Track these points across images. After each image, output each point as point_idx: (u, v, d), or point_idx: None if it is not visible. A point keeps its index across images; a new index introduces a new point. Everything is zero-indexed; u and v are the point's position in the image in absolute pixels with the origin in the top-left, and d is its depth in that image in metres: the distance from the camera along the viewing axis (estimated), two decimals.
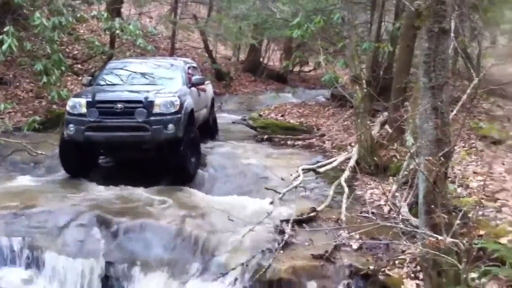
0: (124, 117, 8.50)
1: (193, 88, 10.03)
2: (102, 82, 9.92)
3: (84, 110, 8.56)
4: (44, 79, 11.25)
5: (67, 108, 8.77)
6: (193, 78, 10.17)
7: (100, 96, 8.78)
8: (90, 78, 10.39)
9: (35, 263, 6.83)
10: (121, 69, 10.26)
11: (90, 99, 8.63)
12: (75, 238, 7.02)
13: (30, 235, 6.99)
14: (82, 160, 9.08)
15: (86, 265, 6.71)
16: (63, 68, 12.09)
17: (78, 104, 8.64)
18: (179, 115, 8.72)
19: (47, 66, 11.39)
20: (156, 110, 8.55)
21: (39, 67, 11.21)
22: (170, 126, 8.56)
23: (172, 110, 8.65)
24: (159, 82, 9.77)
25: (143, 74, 10.04)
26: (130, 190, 8.40)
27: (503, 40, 25.90)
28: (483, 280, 5.25)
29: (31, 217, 7.30)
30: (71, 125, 8.59)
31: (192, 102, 9.50)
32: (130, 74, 10.04)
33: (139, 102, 8.58)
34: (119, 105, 8.50)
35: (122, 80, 9.96)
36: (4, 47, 9.92)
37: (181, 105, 8.81)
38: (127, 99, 8.72)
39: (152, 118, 8.51)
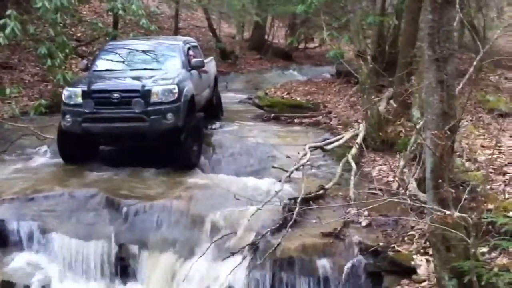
0: (121, 107, 8.23)
1: (193, 71, 9.70)
2: (98, 67, 9.57)
3: (80, 100, 8.31)
4: (49, 62, 11.19)
5: (63, 98, 8.54)
6: (193, 60, 9.77)
7: (95, 86, 8.54)
8: (86, 62, 10.14)
9: (46, 246, 6.92)
10: (118, 52, 9.88)
11: (85, 89, 8.39)
12: (85, 221, 7.10)
13: (41, 219, 7.06)
14: (81, 149, 8.85)
15: (98, 247, 6.79)
16: (67, 50, 12.02)
17: (73, 94, 8.40)
18: (178, 104, 8.40)
19: (51, 49, 11.32)
20: (154, 99, 8.27)
21: (43, 50, 11.14)
22: (169, 115, 8.28)
23: (171, 98, 8.35)
24: (158, 66, 9.43)
25: (141, 58, 9.66)
26: (137, 172, 8.39)
27: (510, 11, 25.61)
28: (493, 254, 5.28)
29: (41, 201, 7.35)
30: (67, 116, 8.37)
31: (192, 87, 9.17)
32: (127, 58, 9.71)
33: (136, 91, 8.31)
34: (115, 95, 8.23)
35: (119, 64, 9.62)
36: (7, 31, 9.86)
37: (180, 92, 8.48)
38: (123, 88, 8.49)
39: (150, 108, 8.22)
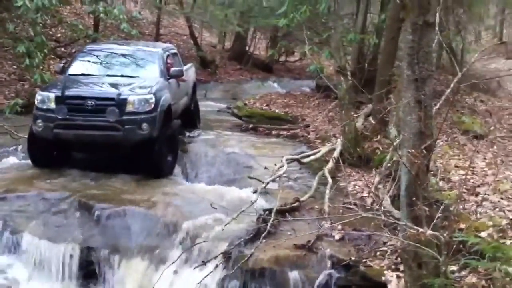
0: (95, 115, 8.04)
1: (171, 80, 9.45)
2: (74, 71, 9.28)
3: (53, 105, 8.10)
4: (27, 61, 11.09)
5: (36, 102, 8.32)
6: (172, 69, 9.51)
7: (69, 91, 8.32)
8: (62, 65, 9.85)
9: (15, 247, 6.81)
10: (96, 56, 9.66)
11: (59, 94, 8.18)
12: (56, 222, 7.01)
13: (11, 219, 6.95)
14: (52, 154, 8.63)
15: (67, 250, 6.70)
16: (45, 51, 11.94)
17: (46, 98, 8.19)
18: (154, 114, 8.24)
19: (29, 49, 11.22)
20: (129, 108, 8.10)
21: (21, 49, 11.04)
22: (144, 125, 8.11)
23: (147, 108, 8.18)
24: (135, 73, 9.20)
25: (119, 63, 9.44)
26: (111, 178, 8.27)
27: (487, 36, 26.17)
28: (463, 272, 5.34)
29: (13, 201, 7.26)
30: (39, 121, 8.16)
31: (170, 96, 8.99)
32: (104, 62, 9.49)
33: (111, 99, 8.14)
34: (90, 102, 8.05)
35: (95, 69, 9.36)
36: None
37: (157, 102, 8.34)
38: (98, 95, 8.29)
39: (124, 117, 8.05)
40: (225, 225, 6.65)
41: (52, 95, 8.21)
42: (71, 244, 6.72)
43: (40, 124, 8.16)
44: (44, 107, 8.18)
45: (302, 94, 15.90)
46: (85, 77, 9.12)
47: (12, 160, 8.99)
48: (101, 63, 9.49)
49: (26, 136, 8.68)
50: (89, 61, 9.56)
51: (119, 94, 8.22)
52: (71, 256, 6.66)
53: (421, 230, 4.87)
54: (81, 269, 6.66)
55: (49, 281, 6.61)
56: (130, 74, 9.14)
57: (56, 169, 8.42)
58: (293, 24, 11.42)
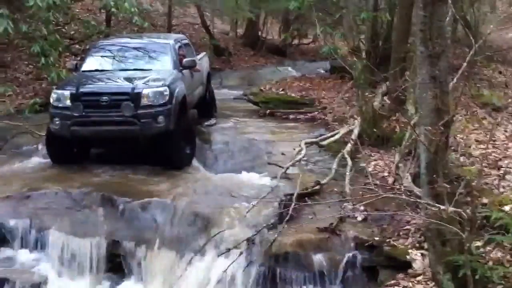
0: (111, 110, 8.06)
1: (185, 71, 9.42)
2: (88, 67, 9.33)
3: (68, 103, 8.14)
4: (43, 60, 11.15)
5: (51, 100, 8.38)
6: (184, 60, 9.50)
7: (84, 88, 8.36)
8: (75, 62, 9.94)
9: (42, 244, 6.93)
10: (108, 51, 9.62)
11: (74, 91, 8.21)
12: (81, 218, 7.10)
13: (37, 217, 7.06)
14: (71, 151, 8.72)
15: (93, 244, 6.80)
16: (60, 49, 11.99)
17: (62, 96, 8.23)
18: (169, 106, 8.24)
19: (44, 48, 11.29)
20: (144, 102, 8.10)
21: (36, 48, 11.10)
22: (160, 118, 8.11)
23: (162, 101, 8.17)
24: (148, 66, 9.21)
25: (131, 57, 9.39)
26: (132, 170, 8.31)
27: (502, 6, 25.69)
28: (487, 248, 5.32)
29: (37, 199, 7.35)
30: (56, 119, 8.22)
31: (184, 87, 8.97)
32: (117, 57, 9.44)
33: (126, 94, 8.16)
34: (104, 98, 8.06)
35: (108, 64, 9.37)
36: (0, 29, 9.84)
37: (171, 94, 8.32)
38: (113, 91, 8.30)
39: (140, 111, 8.05)
40: (247, 212, 6.71)
41: (67, 93, 8.26)
42: (97, 239, 6.82)
43: (57, 122, 8.23)
44: (60, 105, 8.24)
45: (318, 77, 15.81)
46: (99, 72, 9.16)
47: (34, 159, 9.09)
48: (113, 58, 9.49)
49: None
50: (101, 57, 9.58)
51: (133, 88, 8.24)
52: (97, 250, 6.76)
53: (443, 207, 4.86)
54: (108, 263, 6.76)
55: (77, 276, 6.71)
56: (143, 67, 9.16)
57: (77, 166, 8.52)
58: (304, 6, 11.33)
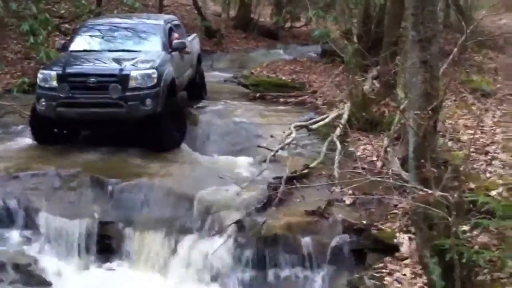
0: (98, 92, 7.98)
1: (174, 53, 9.32)
2: (76, 47, 9.19)
3: (55, 83, 8.04)
4: (31, 39, 11.01)
5: (38, 81, 8.27)
6: (174, 42, 9.42)
7: (71, 69, 8.27)
8: (63, 42, 9.78)
9: (31, 224, 6.91)
10: (96, 31, 9.51)
11: (60, 72, 8.10)
12: (70, 199, 7.09)
13: (26, 197, 7.04)
14: (55, 132, 8.64)
15: (82, 225, 6.78)
16: (50, 28, 11.85)
17: (48, 77, 8.11)
18: (157, 89, 8.14)
19: (33, 26, 11.15)
20: (132, 84, 7.99)
21: (25, 27, 10.95)
22: (148, 101, 8.01)
23: (150, 83, 8.07)
24: (137, 47, 9.01)
25: (120, 37, 9.29)
26: (121, 152, 8.27)
27: None
28: (474, 232, 5.38)
29: (26, 179, 7.31)
30: (42, 100, 8.11)
31: (173, 70, 8.89)
32: (105, 37, 9.35)
33: (113, 75, 8.05)
34: (92, 79, 7.96)
35: (97, 44, 9.27)
36: None
37: (160, 76, 8.22)
38: (100, 72, 8.20)
39: (127, 93, 7.94)
40: (237, 194, 6.74)
41: (53, 73, 8.15)
42: (86, 219, 6.81)
43: (43, 103, 8.13)
44: (46, 85, 8.14)
45: (309, 60, 15.78)
46: (87, 53, 9.03)
47: (22, 139, 9.03)
48: (102, 38, 9.38)
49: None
50: (90, 36, 9.45)
51: (121, 70, 8.14)
52: (86, 231, 6.75)
53: (430, 191, 4.89)
54: (97, 244, 6.76)
55: (66, 256, 6.71)
56: (132, 49, 9.04)
57: (65, 147, 8.46)
58: None
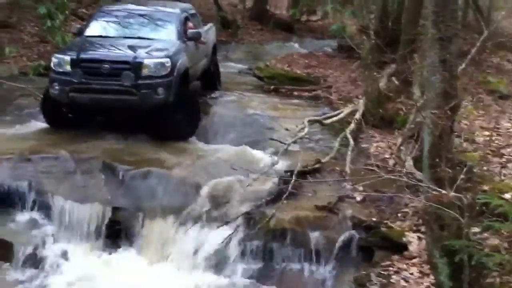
0: (111, 78, 7.96)
1: (189, 42, 9.26)
2: (91, 32, 9.15)
3: (68, 68, 8.04)
4: (48, 23, 11.09)
5: (51, 65, 8.25)
6: (189, 31, 9.36)
7: (85, 54, 8.27)
8: (79, 26, 9.84)
9: (42, 207, 6.94)
10: (113, 17, 9.50)
11: (74, 57, 8.10)
12: (81, 183, 7.12)
13: (37, 180, 7.07)
14: (67, 116, 8.64)
15: (93, 210, 6.82)
16: (67, 12, 11.90)
17: (62, 61, 8.12)
18: (170, 78, 8.12)
19: (50, 10, 11.21)
20: (145, 72, 8.00)
21: (42, 10, 11.04)
22: (160, 90, 8.01)
23: (163, 72, 8.05)
24: (152, 35, 9.02)
25: (136, 24, 9.29)
26: (134, 139, 8.28)
27: None
28: (485, 234, 5.33)
29: (38, 162, 7.34)
30: (55, 84, 8.13)
31: (187, 59, 8.83)
32: (121, 24, 9.32)
33: (127, 63, 8.05)
34: (105, 66, 7.96)
35: (112, 30, 9.27)
36: None
37: (173, 66, 8.18)
38: (113, 59, 8.16)
39: (140, 81, 7.95)
40: (247, 186, 6.71)
41: (67, 58, 8.16)
42: (97, 204, 6.84)
43: (56, 87, 8.14)
44: (60, 70, 8.14)
45: (324, 55, 15.68)
46: (102, 39, 9.00)
47: (36, 122, 9.06)
48: (118, 24, 9.37)
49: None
50: (106, 22, 9.44)
51: (135, 58, 8.13)
52: (97, 216, 6.78)
53: (443, 192, 4.84)
54: (107, 229, 6.78)
55: (76, 240, 6.74)
56: (147, 36, 9.01)
57: (78, 131, 8.46)
58: None
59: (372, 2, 13.31)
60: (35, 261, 6.41)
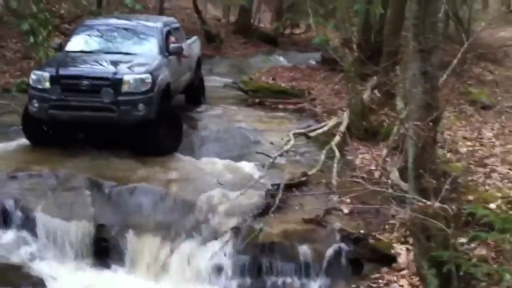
0: (90, 95, 7.89)
1: (171, 57, 9.21)
2: (71, 48, 9.09)
3: (47, 85, 7.94)
4: (31, 39, 11.02)
5: (30, 81, 8.17)
6: (171, 46, 9.29)
7: (64, 71, 8.15)
8: (59, 41, 9.68)
9: (28, 225, 6.83)
10: (95, 30, 9.46)
11: (53, 74, 8.01)
12: (67, 200, 7.03)
13: (23, 197, 6.98)
14: (48, 133, 8.52)
15: (79, 227, 6.74)
16: (50, 27, 11.85)
17: (41, 78, 8.03)
18: (151, 94, 8.04)
19: (33, 26, 11.15)
20: (125, 88, 7.90)
21: (25, 26, 10.97)
22: (141, 106, 7.92)
23: (143, 88, 7.97)
24: (133, 50, 8.94)
25: (117, 39, 9.25)
26: (118, 155, 8.19)
27: (494, 4, 25.79)
28: (472, 245, 5.38)
29: (24, 180, 7.27)
30: (34, 101, 8.03)
31: (169, 74, 8.80)
32: (102, 38, 9.28)
33: (106, 79, 7.95)
34: (84, 82, 7.90)
35: (93, 45, 9.22)
36: None
37: (154, 81, 8.10)
38: (93, 75, 8.07)
39: (120, 98, 7.86)
40: (234, 200, 6.70)
41: (46, 75, 8.06)
42: (83, 222, 6.76)
43: (36, 104, 8.04)
44: (39, 86, 8.04)
45: (308, 68, 15.81)
46: (82, 54, 8.94)
47: (20, 139, 8.97)
48: (99, 39, 9.32)
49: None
50: (87, 37, 9.39)
51: (115, 74, 8.05)
52: (83, 233, 6.71)
53: (428, 202, 4.89)
54: (94, 247, 6.72)
55: (61, 259, 6.65)
56: (128, 51, 8.91)
57: (63, 148, 8.38)
58: None
59: (354, 15, 13.44)
60: (20, 280, 6.29)
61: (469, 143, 7.99)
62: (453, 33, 16.48)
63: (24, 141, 8.82)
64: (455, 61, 8.54)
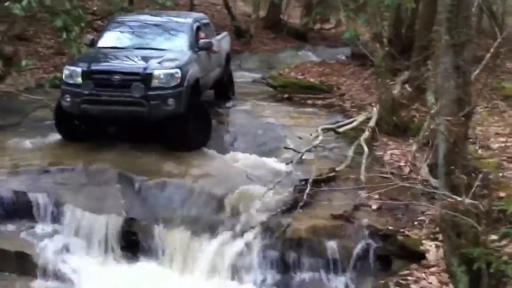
0: (121, 90, 8.00)
1: (200, 52, 9.28)
2: (103, 44, 9.29)
3: (79, 80, 8.10)
4: (64, 35, 11.19)
5: (63, 77, 8.33)
6: (201, 41, 9.38)
7: (96, 66, 8.32)
8: (92, 38, 9.84)
9: (60, 218, 6.99)
10: (126, 27, 9.61)
11: (85, 69, 8.16)
12: (98, 194, 7.16)
13: (55, 192, 7.13)
14: (80, 128, 8.64)
15: (110, 221, 6.86)
16: (82, 24, 12.01)
17: (74, 73, 8.19)
18: (180, 89, 8.12)
19: (66, 22, 11.32)
20: (155, 83, 8.01)
21: (59, 23, 11.14)
22: (170, 101, 8.01)
23: (173, 83, 8.06)
24: (164, 46, 9.06)
25: (148, 35, 9.37)
26: (149, 149, 8.30)
27: None
28: (503, 242, 5.29)
29: (56, 174, 7.43)
30: (67, 96, 8.20)
31: (198, 69, 8.87)
32: (133, 34, 9.44)
33: (137, 74, 8.08)
34: (116, 77, 8.01)
35: (124, 41, 9.35)
36: (24, 2, 9.85)
37: (183, 76, 8.21)
38: (123, 70, 8.21)
39: (150, 92, 7.96)
40: (262, 196, 6.72)
41: (78, 70, 8.21)
42: (113, 215, 6.88)
43: (68, 99, 8.20)
44: (71, 81, 8.20)
45: (338, 63, 15.69)
46: (114, 50, 9.09)
47: (53, 134, 9.14)
48: (130, 35, 9.47)
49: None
50: (119, 33, 9.54)
51: (145, 69, 8.16)
52: (113, 227, 6.82)
53: (459, 199, 4.82)
54: (123, 240, 6.82)
55: (92, 252, 6.79)
56: (159, 47, 9.05)
57: (94, 142, 8.52)
58: None
59: (385, 10, 13.29)
60: (53, 273, 6.44)
61: (501, 139, 7.84)
62: (487, 27, 16.15)
63: (56, 135, 8.98)
64: (488, 56, 8.37)
